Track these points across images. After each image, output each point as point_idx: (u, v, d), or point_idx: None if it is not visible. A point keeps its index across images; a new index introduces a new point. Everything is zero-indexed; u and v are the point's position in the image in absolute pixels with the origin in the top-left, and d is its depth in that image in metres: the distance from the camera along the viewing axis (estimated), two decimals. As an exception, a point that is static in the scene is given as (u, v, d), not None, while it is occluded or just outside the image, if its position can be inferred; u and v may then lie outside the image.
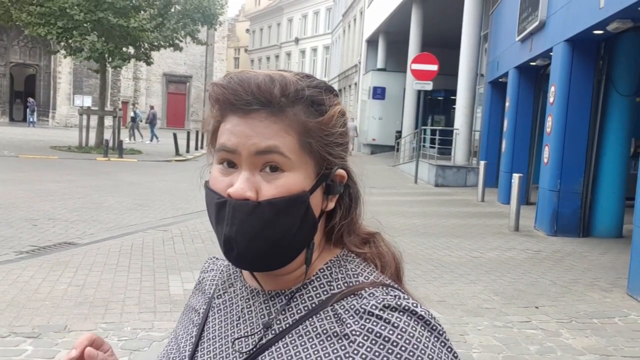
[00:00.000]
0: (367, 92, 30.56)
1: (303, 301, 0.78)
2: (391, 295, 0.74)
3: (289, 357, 0.74)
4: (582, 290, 5.97)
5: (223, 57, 52.53)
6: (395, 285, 0.79)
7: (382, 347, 0.69)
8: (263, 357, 0.76)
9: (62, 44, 19.75)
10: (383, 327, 0.70)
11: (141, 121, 32.32)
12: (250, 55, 63.81)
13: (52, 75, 41.61)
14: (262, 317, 0.80)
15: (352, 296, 0.75)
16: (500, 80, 14.57)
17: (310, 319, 0.76)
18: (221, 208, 0.75)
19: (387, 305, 0.72)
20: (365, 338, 0.70)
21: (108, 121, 26.68)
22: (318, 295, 0.78)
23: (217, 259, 0.98)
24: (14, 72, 42.74)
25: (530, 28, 10.61)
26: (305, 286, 0.79)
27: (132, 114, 31.75)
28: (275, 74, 0.77)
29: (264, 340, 0.77)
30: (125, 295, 5.24)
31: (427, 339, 0.70)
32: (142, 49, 20.98)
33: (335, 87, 44.26)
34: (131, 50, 21.00)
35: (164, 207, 10.44)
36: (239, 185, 0.74)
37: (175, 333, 0.91)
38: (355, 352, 0.70)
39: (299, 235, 0.76)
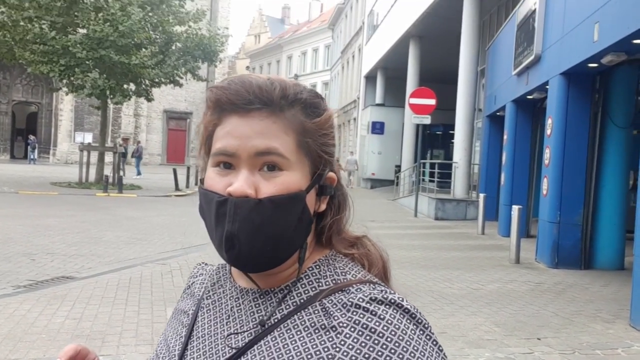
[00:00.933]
0: (366, 127, 30.78)
1: (292, 297, 0.80)
2: (378, 290, 0.75)
3: (277, 350, 0.75)
4: (584, 322, 5.90)
5: (223, 94, 52.91)
6: (382, 283, 0.80)
7: (368, 338, 0.70)
8: (252, 352, 0.76)
9: (65, 81, 19.97)
10: (370, 319, 0.71)
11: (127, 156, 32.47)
12: (250, 92, 64.31)
13: (54, 112, 41.93)
14: (252, 314, 0.81)
15: (340, 292, 0.77)
16: (497, 114, 14.70)
17: (299, 314, 0.77)
18: (222, 206, 0.76)
19: (373, 298, 0.73)
20: (352, 329, 0.71)
21: (109, 157, 26.78)
22: (307, 292, 0.79)
23: (205, 264, 0.99)
24: (16, 110, 43.11)
25: (526, 62, 10.76)
26: (294, 284, 0.81)
27: (122, 150, 31.96)
28: (275, 77, 0.81)
29: (252, 336, 0.78)
30: (122, 328, 5.18)
31: (413, 332, 0.72)
32: (143, 86, 21.21)
33: (335, 122, 44.47)
34: (132, 87, 21.21)
35: (163, 241, 10.40)
36: (240, 183, 0.75)
37: (165, 335, 0.91)
38: (342, 342, 0.71)
39: (296, 233, 0.78)
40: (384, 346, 0.69)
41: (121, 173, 28.14)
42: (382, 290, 0.75)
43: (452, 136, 19.44)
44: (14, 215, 12.81)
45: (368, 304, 0.72)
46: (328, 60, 49.18)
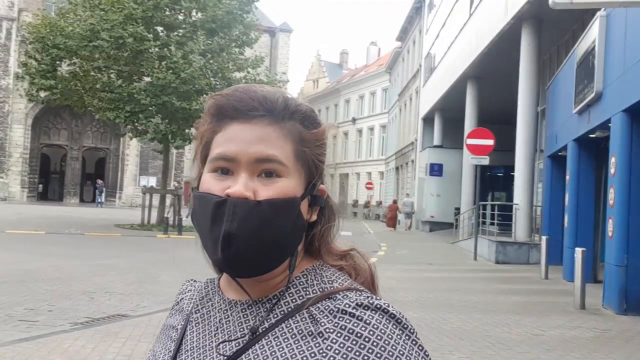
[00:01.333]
0: (425, 169, 30.51)
1: (280, 306, 0.81)
2: (364, 296, 0.77)
3: (266, 358, 0.75)
4: (655, 372, 5.50)
5: (282, 138, 53.85)
6: (368, 291, 0.81)
7: (354, 342, 0.71)
8: (241, 359, 0.77)
9: (129, 127, 20.82)
10: (356, 324, 0.73)
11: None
12: (308, 135, 65.14)
13: (121, 157, 43.69)
14: (241, 324, 0.81)
15: (327, 299, 0.78)
16: (559, 154, 14.27)
17: (287, 322, 0.78)
18: (220, 207, 0.77)
19: (359, 303, 0.75)
20: (339, 335, 0.73)
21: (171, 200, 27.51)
22: (294, 300, 0.80)
23: (194, 281, 0.99)
24: (86, 155, 45.20)
25: (587, 100, 10.45)
26: (282, 293, 0.82)
27: (181, 192, 32.75)
28: (278, 89, 0.85)
29: (241, 345, 0.79)
30: (171, 367, 5.18)
31: (399, 337, 0.73)
32: (204, 130, 21.82)
33: (392, 165, 44.52)
34: (193, 131, 21.84)
35: (218, 282, 10.46)
36: (238, 186, 0.77)
37: (153, 351, 0.91)
38: (329, 348, 0.72)
39: (290, 238, 0.80)
40: (370, 350, 0.71)
41: (181, 215, 28.90)
42: (368, 296, 0.76)
43: (513, 178, 18.99)
44: (79, 255, 13.25)
45: (354, 310, 0.74)
46: (385, 104, 49.41)
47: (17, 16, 38.25)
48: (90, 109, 20.42)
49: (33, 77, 20.02)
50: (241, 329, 0.80)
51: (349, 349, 0.71)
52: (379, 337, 0.72)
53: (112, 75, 19.72)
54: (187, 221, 24.24)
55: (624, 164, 8.51)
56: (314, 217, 0.85)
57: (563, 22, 15.91)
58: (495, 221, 17.67)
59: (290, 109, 0.82)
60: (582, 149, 12.03)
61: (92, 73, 19.99)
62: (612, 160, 8.92)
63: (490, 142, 16.66)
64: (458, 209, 25.39)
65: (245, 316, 0.81)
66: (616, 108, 8.84)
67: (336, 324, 0.73)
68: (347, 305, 0.75)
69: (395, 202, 33.84)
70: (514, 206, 16.78)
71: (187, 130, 21.25)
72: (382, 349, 0.71)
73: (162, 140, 20.65)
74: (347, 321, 0.73)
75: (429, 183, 29.81)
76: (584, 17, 14.28)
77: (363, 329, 0.72)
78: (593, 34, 10.13)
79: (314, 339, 0.74)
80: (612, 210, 8.86)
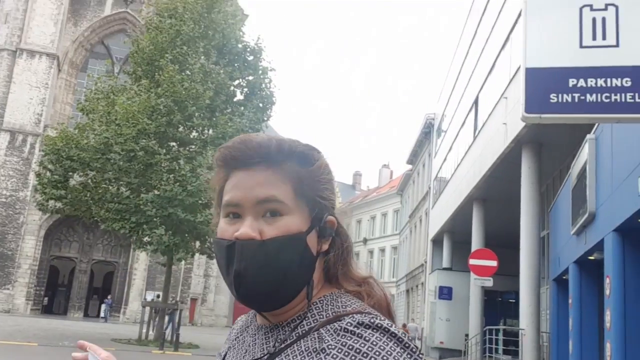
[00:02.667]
0: (434, 292, 29.88)
1: (296, 329, 0.89)
2: (368, 317, 0.82)
3: None
4: None
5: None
6: (377, 313, 0.86)
7: (353, 358, 0.77)
8: None
9: (134, 237, 20.95)
10: (356, 341, 0.78)
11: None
12: (320, 255, 64.98)
13: (129, 271, 43.53)
14: (262, 345, 0.92)
15: (336, 321, 0.85)
16: (563, 277, 13.97)
17: (299, 342, 0.86)
18: (230, 250, 0.87)
19: (361, 322, 0.80)
20: (339, 351, 0.79)
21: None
22: (309, 324, 0.88)
23: (247, 314, 1.11)
24: (95, 268, 45.12)
25: (582, 220, 10.40)
26: (300, 317, 0.90)
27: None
28: (272, 135, 0.94)
29: None
30: None
31: (399, 354, 0.77)
32: (207, 243, 21.87)
33: (403, 287, 43.69)
34: (197, 244, 21.92)
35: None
36: (244, 229, 0.87)
37: None
38: None
39: (299, 271, 0.89)
40: None
41: (179, 331, 28.17)
42: (372, 317, 0.82)
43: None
44: (64, 367, 12.81)
45: (356, 328, 0.80)
46: (397, 225, 49.51)
47: (42, 132, 40.00)
48: (96, 218, 20.67)
49: (45, 187, 20.53)
50: (261, 350, 0.91)
51: None
52: (377, 353, 0.76)
53: (121, 187, 20.18)
54: (184, 337, 23.62)
55: (618, 285, 8.28)
56: (325, 247, 0.94)
57: (563, 146, 16.20)
58: (500, 347, 16.98)
59: (284, 152, 0.91)
60: (583, 271, 11.79)
61: (103, 184, 20.48)
62: (607, 281, 8.69)
63: (494, 263, 16.44)
64: (468, 335, 24.52)
65: (267, 339, 0.92)
66: (608, 228, 8.76)
67: (338, 341, 0.79)
68: (349, 324, 0.81)
69: (405, 326, 32.87)
70: (520, 332, 16.18)
71: (191, 243, 21.29)
72: None
73: (165, 252, 20.66)
74: (349, 338, 0.79)
75: (439, 307, 29.03)
76: (583, 141, 14.59)
77: (362, 345, 0.77)
78: (584, 156, 10.30)
79: (317, 355, 0.81)
80: (610, 333, 8.50)
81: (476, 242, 22.90)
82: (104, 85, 22.48)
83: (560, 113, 5.83)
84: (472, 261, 16.82)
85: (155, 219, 19.44)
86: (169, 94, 20.17)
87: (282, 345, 0.87)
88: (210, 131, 21.59)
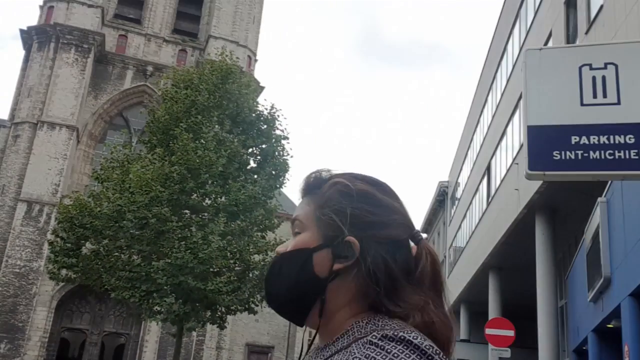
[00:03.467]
0: (452, 365, 28.87)
1: (334, 346, 0.95)
2: (394, 330, 0.86)
3: None
4: None
5: (306, 327, 52.58)
6: (411, 329, 0.88)
7: None
8: None
9: (144, 306, 20.67)
10: (378, 353, 0.81)
11: None
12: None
13: (140, 344, 42.74)
14: None
15: (366, 336, 0.89)
16: (583, 348, 13.44)
17: (336, 355, 0.91)
18: None
19: (385, 335, 0.84)
20: None
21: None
22: (343, 342, 0.93)
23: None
24: (106, 341, 44.35)
25: (597, 286, 10.10)
26: (340, 337, 0.95)
27: None
28: (324, 169, 1.10)
29: None
30: None
31: None
32: (219, 313, 21.47)
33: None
34: (208, 313, 21.54)
35: None
36: (280, 246, 1.05)
37: None
38: None
39: (298, 284, 0.97)
40: None
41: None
42: (397, 330, 0.85)
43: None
44: None
45: (379, 341, 0.84)
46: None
47: (58, 201, 40.50)
48: (106, 287, 20.51)
49: (57, 255, 20.53)
50: None
51: None
52: None
53: (132, 255, 20.11)
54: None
55: (637, 352, 7.91)
56: (338, 266, 0.98)
57: (577, 212, 15.94)
58: None
59: (317, 181, 1.06)
60: (602, 341, 11.32)
61: (115, 253, 20.44)
62: (626, 349, 8.32)
63: (511, 332, 15.91)
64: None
65: (317, 356, 0.99)
66: (624, 293, 8.47)
67: (362, 353, 0.84)
68: (374, 337, 0.85)
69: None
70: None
71: (201, 312, 20.93)
72: None
73: (175, 321, 20.30)
74: (371, 350, 0.83)
75: (458, 381, 27.96)
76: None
77: (383, 357, 0.81)
78: (596, 220, 10.12)
79: None
80: (632, 405, 8.05)
81: (493, 312, 22.27)
82: (120, 154, 22.87)
83: (563, 170, 5.76)
84: (488, 331, 16.30)
85: (165, 287, 19.23)
86: (183, 161, 20.43)
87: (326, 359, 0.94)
88: (223, 198, 21.66)
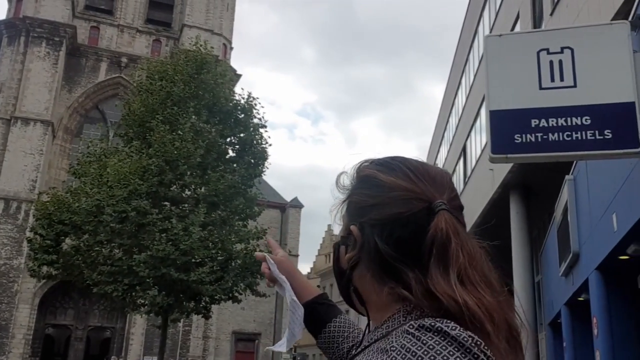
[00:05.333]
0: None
1: (381, 330, 0.95)
2: (431, 320, 0.83)
3: None
4: None
5: (292, 313, 52.97)
6: (449, 321, 0.84)
7: None
8: None
9: (127, 300, 20.72)
10: (414, 344, 0.80)
11: None
12: (320, 311, 64.08)
13: (126, 337, 42.74)
14: (364, 342, 1.01)
15: (405, 324, 0.87)
16: (557, 321, 13.83)
17: (378, 342, 0.92)
18: None
19: (422, 325, 0.82)
20: (398, 352, 0.81)
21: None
22: (388, 328, 0.92)
23: None
24: (91, 335, 44.26)
25: (567, 261, 10.42)
26: (385, 322, 0.95)
27: None
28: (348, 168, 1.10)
29: (352, 355, 1.02)
30: None
31: (457, 359, 0.77)
32: (203, 303, 21.58)
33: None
34: (192, 304, 21.66)
35: None
36: None
37: None
38: None
39: (338, 278, 1.04)
40: None
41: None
42: (435, 320, 0.82)
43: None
44: None
45: (416, 331, 0.81)
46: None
47: (36, 198, 40.14)
48: (88, 282, 20.50)
49: (36, 253, 20.45)
50: (362, 346, 0.99)
51: None
52: (432, 357, 0.77)
53: (114, 249, 20.10)
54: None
55: (605, 324, 8.23)
56: (348, 256, 1.01)
57: (550, 190, 16.29)
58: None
59: (347, 179, 1.07)
60: (574, 313, 11.69)
61: (96, 247, 20.42)
62: (594, 321, 8.64)
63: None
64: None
65: (367, 338, 0.99)
66: (591, 267, 8.77)
67: (399, 343, 0.82)
68: (411, 327, 0.82)
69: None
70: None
71: (185, 303, 21.04)
72: None
73: (160, 313, 20.40)
74: (408, 340, 0.81)
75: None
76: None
77: (419, 348, 0.79)
78: (565, 197, 10.41)
79: (382, 355, 0.87)
80: (601, 375, 8.38)
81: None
82: (96, 148, 22.75)
83: (524, 153, 5.95)
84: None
85: (148, 280, 19.29)
86: (160, 154, 20.39)
87: (368, 344, 0.95)
88: (203, 189, 21.69)
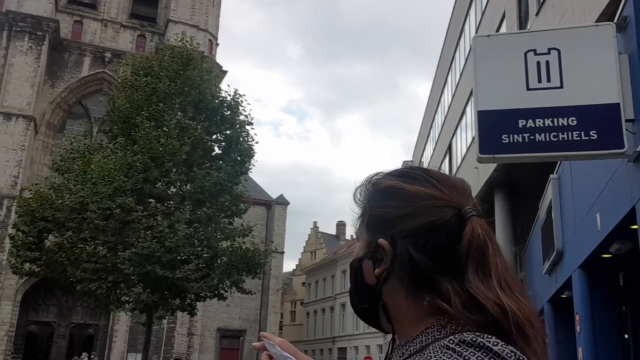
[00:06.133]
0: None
1: (413, 345, 0.91)
2: (473, 335, 0.81)
3: None
4: None
5: (277, 310, 52.98)
6: (489, 335, 0.82)
7: None
8: None
9: (111, 297, 20.60)
10: (455, 359, 0.77)
11: None
12: (305, 308, 64.24)
13: (109, 334, 42.47)
14: (393, 357, 0.97)
15: (443, 339, 0.85)
16: (541, 318, 13.99)
17: (412, 357, 0.89)
18: None
19: (462, 340, 0.80)
20: None
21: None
22: (422, 343, 0.89)
23: None
24: (74, 332, 43.88)
25: (551, 259, 10.54)
26: (417, 336, 0.91)
27: None
28: (363, 178, 1.08)
29: None
30: None
31: None
32: (188, 300, 21.53)
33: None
34: (177, 301, 21.59)
35: None
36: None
37: None
38: None
39: (357, 295, 0.99)
40: None
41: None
42: (476, 335, 0.80)
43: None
44: None
45: (456, 346, 0.79)
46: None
47: (18, 194, 39.70)
48: (72, 279, 20.34)
49: (19, 250, 20.25)
50: None
51: None
52: None
53: (98, 246, 19.97)
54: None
55: (588, 321, 8.35)
56: (378, 272, 0.96)
57: (534, 188, 16.48)
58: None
59: (360, 190, 1.05)
60: (557, 311, 11.84)
61: (80, 244, 20.25)
62: (577, 318, 8.77)
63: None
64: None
65: (397, 353, 0.95)
66: (574, 265, 8.89)
67: (438, 358, 0.80)
68: (451, 342, 0.81)
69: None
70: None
71: (170, 300, 20.96)
72: None
73: (144, 310, 20.30)
74: (448, 356, 0.78)
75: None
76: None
77: None
78: (549, 196, 10.53)
79: None
80: (584, 371, 8.51)
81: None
82: (80, 144, 22.54)
83: (512, 153, 6.02)
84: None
85: (132, 277, 19.20)
86: (146, 150, 20.26)
87: (403, 357, 0.92)
88: (188, 186, 21.61)
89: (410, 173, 1.01)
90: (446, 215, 0.93)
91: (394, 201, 0.97)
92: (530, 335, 0.85)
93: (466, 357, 0.77)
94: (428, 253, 0.92)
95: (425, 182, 0.98)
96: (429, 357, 0.82)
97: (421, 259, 0.92)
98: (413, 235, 0.93)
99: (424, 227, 0.93)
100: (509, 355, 0.77)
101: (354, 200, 1.03)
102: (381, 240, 0.95)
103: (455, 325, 0.87)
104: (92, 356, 37.95)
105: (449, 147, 23.51)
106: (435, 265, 0.92)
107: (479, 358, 0.76)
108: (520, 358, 0.77)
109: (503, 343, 0.79)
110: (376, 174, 1.03)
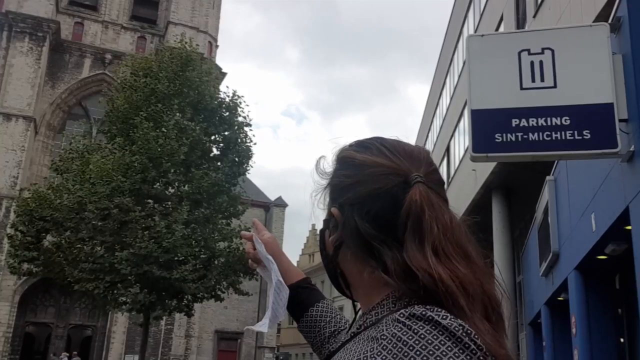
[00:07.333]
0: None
1: (370, 317, 0.92)
2: (422, 309, 0.81)
3: (345, 353, 0.92)
4: None
5: (275, 313, 52.88)
6: (439, 308, 0.82)
7: (399, 349, 0.78)
8: (337, 352, 0.96)
9: (108, 297, 20.58)
10: (405, 332, 0.78)
11: None
12: (304, 311, 64.07)
13: (107, 335, 42.40)
14: (353, 328, 1.01)
15: (395, 312, 0.84)
16: (537, 321, 13.96)
17: (369, 329, 0.89)
18: None
19: (412, 314, 0.80)
20: (389, 341, 0.80)
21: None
22: (377, 315, 0.91)
23: None
24: (72, 333, 43.81)
25: (548, 261, 10.52)
26: (373, 308, 0.93)
27: None
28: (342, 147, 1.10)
29: (341, 343, 0.98)
30: None
31: (449, 348, 0.75)
32: (185, 301, 21.49)
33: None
34: (174, 302, 21.55)
35: None
36: None
37: None
38: (378, 352, 0.80)
39: (327, 265, 1.03)
40: (411, 358, 0.76)
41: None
42: (426, 309, 0.80)
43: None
44: None
45: (407, 319, 0.79)
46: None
47: (18, 195, 39.68)
48: (69, 279, 20.31)
49: (17, 249, 20.23)
50: (350, 333, 0.98)
51: (394, 355, 0.77)
52: (423, 347, 0.76)
53: (95, 246, 19.94)
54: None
55: (583, 323, 8.33)
56: (332, 240, 1.00)
57: (531, 190, 16.46)
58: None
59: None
60: (553, 313, 11.81)
61: (77, 244, 20.23)
62: (573, 320, 8.74)
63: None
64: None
65: (357, 324, 0.98)
66: (570, 267, 8.87)
67: (389, 331, 0.80)
68: (401, 315, 0.80)
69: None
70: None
71: (167, 301, 20.91)
72: (425, 358, 0.75)
73: (141, 311, 20.27)
74: (399, 329, 0.78)
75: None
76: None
77: (410, 337, 0.77)
78: (545, 197, 10.51)
79: (371, 343, 0.84)
80: (579, 373, 8.48)
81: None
82: (79, 145, 22.54)
83: (505, 152, 6.01)
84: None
85: (130, 278, 19.17)
86: (144, 151, 20.26)
87: (357, 331, 0.93)
88: (186, 187, 21.60)
89: (364, 142, 1.02)
90: (390, 183, 0.93)
91: (346, 170, 0.99)
92: (462, 304, 0.83)
93: (415, 331, 0.77)
94: (371, 221, 0.93)
95: (376, 150, 0.99)
96: (381, 330, 0.82)
97: (364, 227, 0.93)
98: (358, 203, 0.95)
99: (367, 194, 0.94)
100: (456, 328, 0.77)
101: (316, 171, 1.05)
102: (333, 209, 0.98)
103: (410, 298, 0.87)
104: (72, 357, 37.83)
105: (447, 150, 23.50)
106: (378, 233, 0.92)
107: (428, 331, 0.76)
108: (468, 331, 0.77)
109: (452, 317, 0.79)
110: (345, 145, 1.05)
